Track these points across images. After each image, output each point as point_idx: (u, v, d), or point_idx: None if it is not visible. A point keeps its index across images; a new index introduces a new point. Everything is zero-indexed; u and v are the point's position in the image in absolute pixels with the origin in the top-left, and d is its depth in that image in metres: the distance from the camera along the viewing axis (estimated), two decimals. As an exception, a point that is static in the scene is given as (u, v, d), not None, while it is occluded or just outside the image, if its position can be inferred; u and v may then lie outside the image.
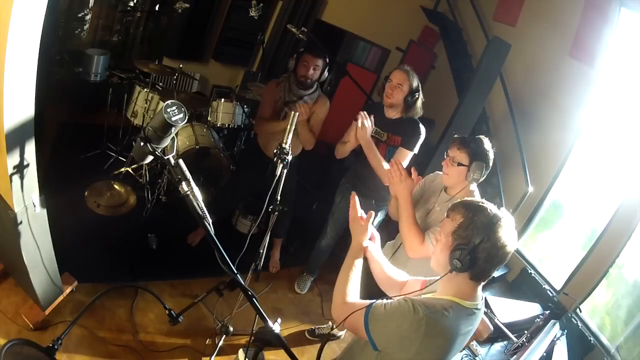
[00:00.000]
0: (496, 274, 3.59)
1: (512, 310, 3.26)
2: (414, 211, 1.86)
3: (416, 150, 2.37)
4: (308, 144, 2.66)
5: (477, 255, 1.10)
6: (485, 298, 3.33)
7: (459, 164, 1.82)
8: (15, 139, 1.48)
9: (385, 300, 1.18)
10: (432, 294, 1.21)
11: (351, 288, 1.26)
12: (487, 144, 1.84)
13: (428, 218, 1.95)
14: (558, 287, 3.53)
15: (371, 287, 2.35)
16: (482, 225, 1.10)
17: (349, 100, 5.15)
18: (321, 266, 3.08)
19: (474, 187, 1.90)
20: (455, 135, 1.91)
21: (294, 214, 3.05)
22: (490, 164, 1.84)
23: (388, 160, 2.37)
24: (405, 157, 2.35)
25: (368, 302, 1.19)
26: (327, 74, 2.63)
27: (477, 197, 1.89)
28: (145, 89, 3.28)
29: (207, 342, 2.36)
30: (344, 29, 5.06)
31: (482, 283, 1.17)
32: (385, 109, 2.38)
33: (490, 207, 1.15)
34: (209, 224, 1.24)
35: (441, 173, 1.94)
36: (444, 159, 1.91)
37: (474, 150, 1.81)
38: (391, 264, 2.10)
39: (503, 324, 3.06)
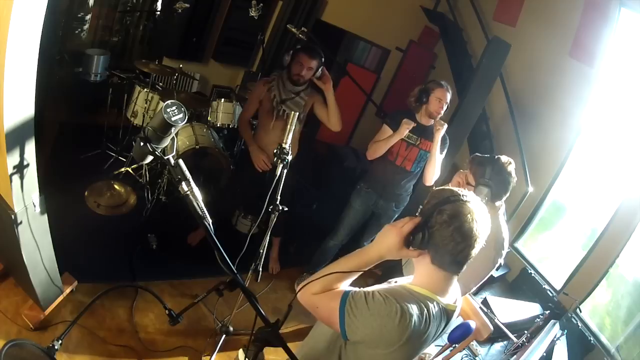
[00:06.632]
0: (496, 273, 3.63)
1: (512, 310, 3.26)
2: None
3: (444, 154, 2.54)
4: (338, 124, 2.64)
5: (431, 230, 1.05)
6: (486, 298, 3.33)
7: (467, 183, 1.81)
8: (15, 139, 1.48)
9: (364, 291, 1.09)
10: (407, 283, 1.16)
11: (333, 284, 1.15)
12: (503, 169, 1.76)
13: None
14: (558, 287, 3.54)
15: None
16: (438, 200, 1.07)
17: (349, 100, 5.15)
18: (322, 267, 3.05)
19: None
20: (477, 154, 1.87)
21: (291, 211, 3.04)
22: (507, 187, 1.77)
23: (419, 164, 2.56)
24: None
25: (340, 290, 1.12)
26: (320, 72, 2.59)
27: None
28: (145, 89, 3.28)
29: (207, 342, 2.36)
30: (344, 29, 5.05)
31: (454, 277, 1.12)
32: (419, 116, 2.51)
33: (458, 190, 1.10)
34: (209, 224, 1.24)
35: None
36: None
37: (486, 173, 1.74)
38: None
39: (503, 324, 3.07)
